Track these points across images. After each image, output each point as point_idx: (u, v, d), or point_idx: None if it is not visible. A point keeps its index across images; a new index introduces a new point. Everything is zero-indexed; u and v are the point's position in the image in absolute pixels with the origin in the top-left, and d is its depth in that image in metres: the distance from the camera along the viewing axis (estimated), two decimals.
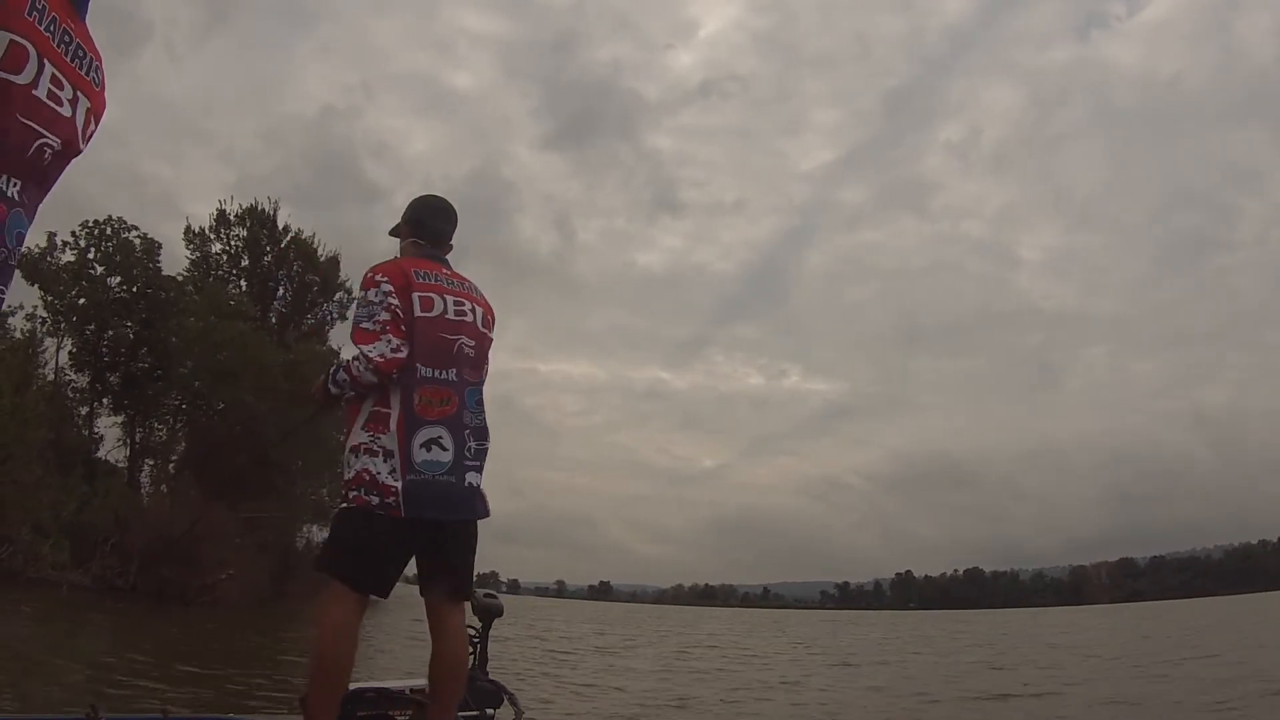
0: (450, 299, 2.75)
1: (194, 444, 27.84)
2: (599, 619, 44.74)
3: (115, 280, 27.39)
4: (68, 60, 1.59)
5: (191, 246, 30.34)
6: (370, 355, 2.58)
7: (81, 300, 26.72)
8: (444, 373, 2.67)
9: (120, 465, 27.63)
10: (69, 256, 26.71)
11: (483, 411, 2.79)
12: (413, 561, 2.74)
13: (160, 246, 28.45)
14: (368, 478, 2.55)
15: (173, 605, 20.09)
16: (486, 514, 2.78)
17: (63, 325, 26.72)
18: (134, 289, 27.54)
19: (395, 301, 2.64)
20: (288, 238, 31.07)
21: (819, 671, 15.89)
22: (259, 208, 30.86)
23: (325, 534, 3.96)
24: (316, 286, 31.56)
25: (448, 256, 2.96)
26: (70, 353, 27.24)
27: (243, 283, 30.71)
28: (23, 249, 1.63)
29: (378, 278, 2.68)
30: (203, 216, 38.07)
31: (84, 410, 27.78)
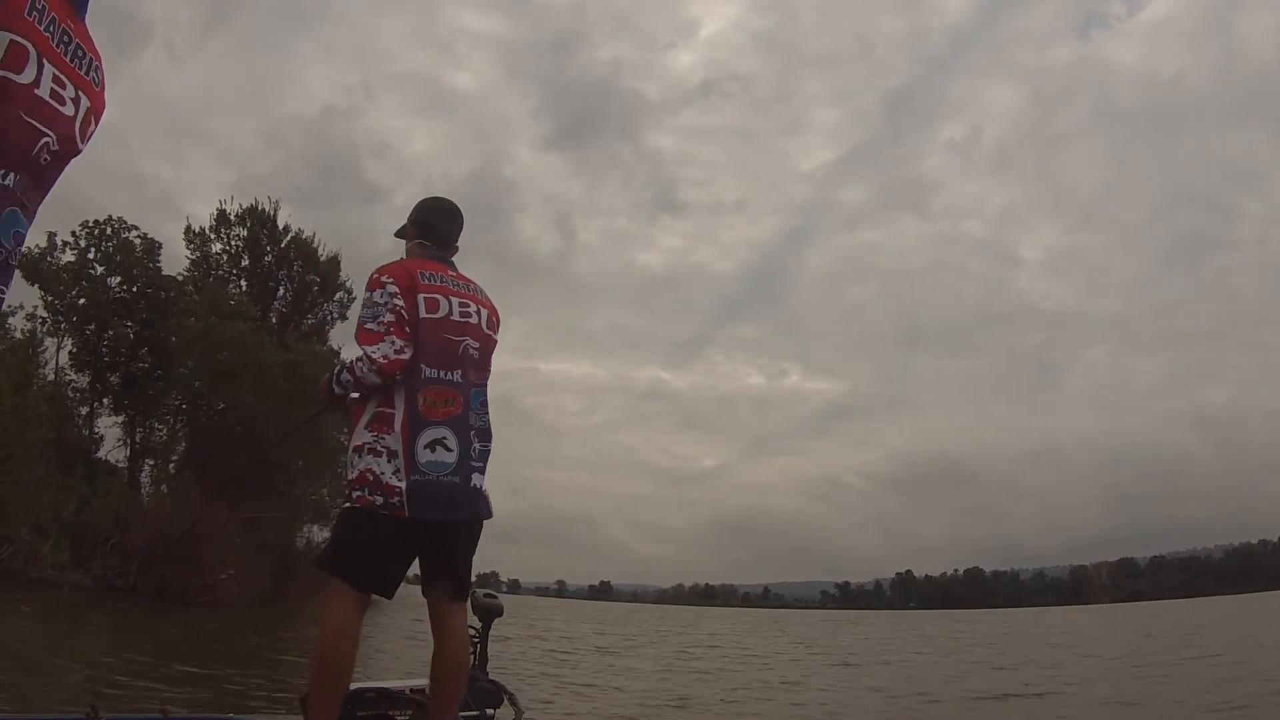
0: (455, 300, 2.75)
1: (194, 444, 27.85)
2: (599, 619, 44.73)
3: (115, 280, 27.41)
4: (67, 60, 1.59)
5: (192, 246, 30.43)
6: (374, 356, 2.58)
7: (82, 300, 26.73)
8: (449, 374, 2.68)
9: (120, 465, 27.66)
10: (69, 256, 26.79)
11: (487, 413, 2.80)
12: (413, 562, 2.74)
13: (160, 246, 28.56)
14: (371, 478, 2.55)
15: (173, 605, 20.07)
16: (490, 515, 2.79)
17: (63, 325, 26.74)
18: (134, 289, 27.55)
19: (400, 303, 2.64)
20: (288, 238, 31.07)
21: (819, 671, 15.87)
22: (259, 208, 30.90)
23: (326, 534, 3.95)
24: (317, 286, 31.56)
25: (453, 258, 2.97)
26: (70, 353, 27.29)
27: (243, 283, 30.72)
28: (23, 249, 1.63)
29: (383, 279, 2.69)
30: (203, 216, 38.07)
31: (84, 410, 27.79)
